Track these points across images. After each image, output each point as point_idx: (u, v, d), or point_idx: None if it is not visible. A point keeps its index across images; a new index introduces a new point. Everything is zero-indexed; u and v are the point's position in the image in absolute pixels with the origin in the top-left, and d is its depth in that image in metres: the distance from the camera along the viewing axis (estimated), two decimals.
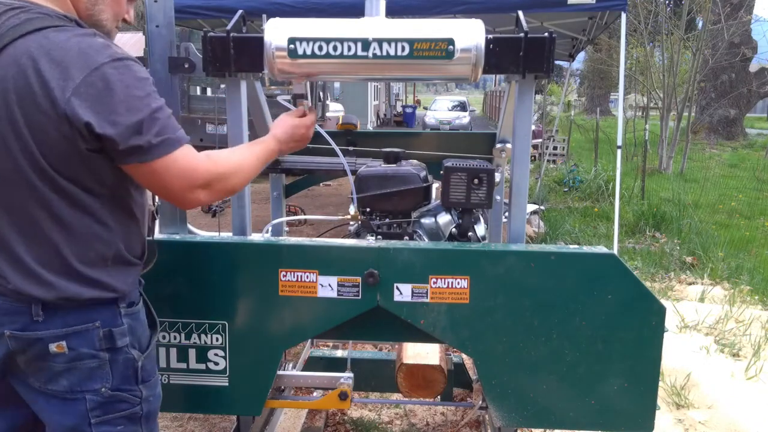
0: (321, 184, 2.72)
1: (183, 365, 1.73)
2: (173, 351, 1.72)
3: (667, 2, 14.45)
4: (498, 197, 2.21)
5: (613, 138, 6.90)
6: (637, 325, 1.65)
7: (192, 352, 1.72)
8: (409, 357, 2.25)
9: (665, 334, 1.71)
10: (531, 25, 8.04)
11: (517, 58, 1.68)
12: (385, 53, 1.62)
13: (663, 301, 4.21)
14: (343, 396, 1.86)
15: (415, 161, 2.18)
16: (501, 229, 2.16)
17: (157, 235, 1.65)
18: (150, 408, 1.40)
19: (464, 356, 2.94)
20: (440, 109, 24.31)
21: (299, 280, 1.67)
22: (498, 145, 2.28)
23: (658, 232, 6.53)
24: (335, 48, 1.62)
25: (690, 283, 4.84)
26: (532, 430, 2.49)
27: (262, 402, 1.79)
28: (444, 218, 2.09)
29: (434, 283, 1.65)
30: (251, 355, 1.73)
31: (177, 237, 1.77)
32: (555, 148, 12.70)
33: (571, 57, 8.86)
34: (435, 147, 2.57)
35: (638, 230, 6.65)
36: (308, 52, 1.63)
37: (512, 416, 1.75)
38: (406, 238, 2.00)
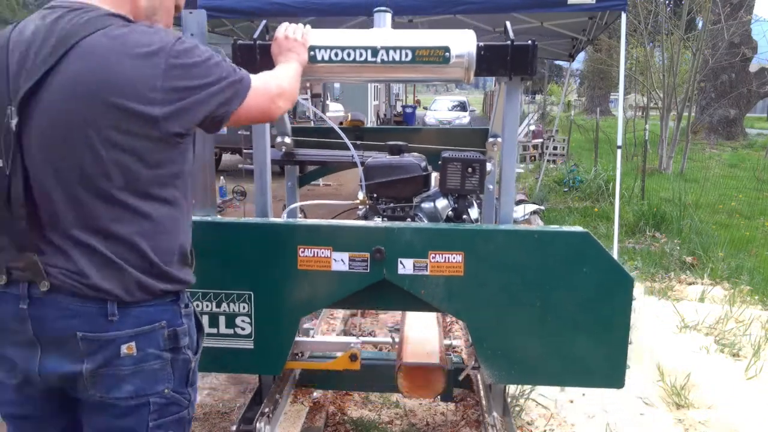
0: (321, 184, 2.97)
1: (214, 330, 1.96)
2: (205, 318, 1.94)
3: (667, 2, 14.46)
4: (491, 186, 2.46)
5: (613, 138, 6.89)
6: (609, 295, 1.91)
7: (222, 319, 1.96)
8: (409, 357, 2.26)
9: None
10: (531, 25, 8.03)
11: (505, 62, 1.94)
12: (391, 59, 1.90)
13: (663, 301, 4.23)
14: (353, 358, 2.18)
15: (416, 153, 2.39)
16: (493, 213, 2.36)
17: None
18: (192, 412, 1.42)
19: (464, 356, 2.94)
20: (440, 109, 24.29)
21: (315, 255, 1.91)
22: (490, 140, 2.50)
23: (658, 232, 6.53)
24: (349, 54, 1.89)
25: (690, 283, 4.84)
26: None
27: (283, 363, 2.04)
28: (442, 203, 2.34)
29: (433, 258, 1.89)
30: (273, 321, 1.97)
31: (209, 218, 2.02)
32: (555, 148, 12.69)
33: (571, 57, 8.86)
34: (434, 141, 2.84)
35: (638, 230, 6.65)
36: (326, 57, 1.89)
37: (501, 374, 2.00)
38: (409, 219, 2.25)
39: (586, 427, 2.85)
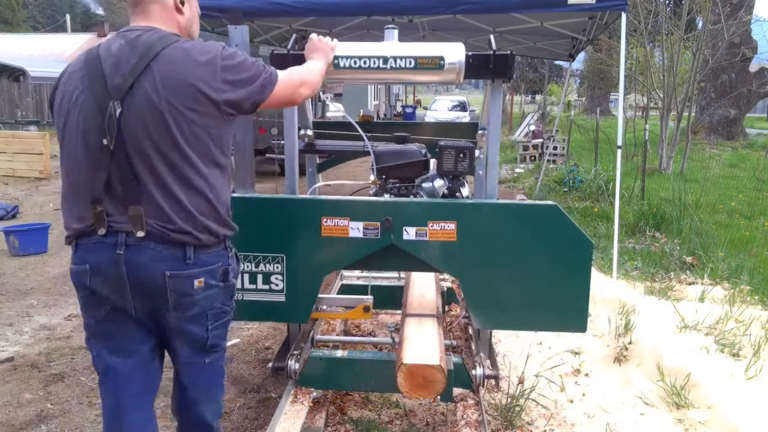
0: (322, 184, 3.40)
1: (253, 286, 2.41)
2: (246, 276, 2.40)
3: (667, 2, 14.44)
4: (481, 172, 2.88)
5: (613, 138, 6.89)
6: (573, 255, 2.31)
7: (259, 277, 2.41)
8: (409, 357, 2.25)
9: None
10: (531, 25, 8.02)
11: (488, 68, 2.45)
12: (398, 66, 2.40)
13: (663, 301, 4.23)
14: (366, 309, 2.60)
15: (417, 143, 2.87)
16: (483, 192, 2.81)
17: (235, 194, 2.26)
18: (232, 317, 1.97)
19: (464, 356, 2.94)
20: (440, 109, 24.29)
21: (336, 224, 2.36)
22: (479, 132, 2.89)
23: (658, 232, 6.52)
24: (365, 62, 2.39)
25: (690, 283, 4.84)
26: None
27: (308, 313, 2.48)
28: (439, 182, 2.78)
29: (431, 226, 2.34)
30: (301, 279, 2.40)
31: (249, 195, 2.47)
32: (555, 148, 12.69)
33: (571, 57, 8.84)
34: (432, 133, 3.50)
35: (638, 230, 6.64)
36: (347, 65, 2.38)
37: (486, 321, 2.49)
38: (411, 196, 2.71)
39: (586, 427, 2.85)
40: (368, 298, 2.63)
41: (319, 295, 2.51)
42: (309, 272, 2.41)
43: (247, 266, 2.40)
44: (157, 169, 1.71)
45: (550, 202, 2.33)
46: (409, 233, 2.34)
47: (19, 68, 23.87)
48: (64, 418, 2.86)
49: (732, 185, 9.80)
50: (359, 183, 3.03)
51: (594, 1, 4.81)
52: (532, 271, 2.33)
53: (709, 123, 17.88)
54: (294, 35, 2.68)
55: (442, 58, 2.39)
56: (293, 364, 2.63)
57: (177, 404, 1.99)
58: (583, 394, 3.15)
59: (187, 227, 1.73)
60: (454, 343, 3.34)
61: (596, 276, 4.80)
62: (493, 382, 2.72)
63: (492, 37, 2.61)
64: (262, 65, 1.87)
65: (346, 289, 3.65)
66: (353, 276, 3.88)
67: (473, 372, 2.67)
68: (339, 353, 2.76)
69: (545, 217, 2.31)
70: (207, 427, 1.98)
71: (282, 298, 2.42)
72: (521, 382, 3.09)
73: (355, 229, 2.35)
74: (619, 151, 5.28)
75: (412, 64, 2.41)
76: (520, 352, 3.60)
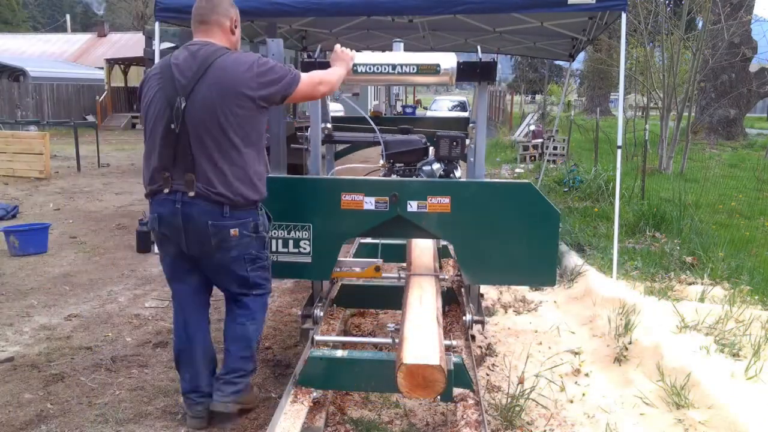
0: (342, 167, 4.00)
1: (285, 250, 2.97)
2: (280, 241, 2.96)
3: (667, 2, 14.45)
4: (472, 159, 3.50)
5: (613, 138, 6.88)
6: (544, 222, 2.85)
7: (291, 242, 2.97)
8: (409, 357, 2.25)
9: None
10: (531, 25, 8.05)
11: (476, 73, 3.25)
12: (404, 71, 3.14)
13: (663, 301, 4.23)
14: (377, 269, 3.14)
15: (418, 134, 3.57)
16: (473, 173, 3.45)
17: (271, 175, 2.82)
18: (270, 263, 2.77)
19: (464, 356, 2.94)
20: (440, 109, 24.27)
21: (353, 199, 2.89)
22: (470, 125, 3.52)
23: (658, 232, 6.51)
24: (378, 68, 3.13)
25: (690, 283, 4.83)
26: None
27: (330, 272, 3.08)
28: (436, 166, 3.41)
29: (430, 200, 2.87)
30: (324, 244, 2.96)
31: (281, 176, 3.10)
32: (555, 148, 12.69)
33: (571, 57, 8.84)
34: (431, 126, 4.25)
35: (638, 230, 6.63)
36: (364, 70, 3.11)
37: (475, 278, 3.09)
38: (414, 176, 3.38)
39: (586, 427, 2.85)
40: (379, 261, 3.16)
41: (339, 259, 3.07)
42: (331, 238, 2.97)
43: (281, 233, 2.96)
44: (208, 149, 2.42)
45: (525, 181, 2.92)
46: (412, 206, 2.89)
47: (19, 68, 23.86)
48: (64, 418, 2.86)
49: (732, 185, 9.79)
50: (372, 166, 3.78)
51: (594, 1, 4.81)
52: (511, 236, 2.88)
53: (709, 123, 17.87)
54: (319, 45, 3.61)
55: (438, 65, 3.13)
56: (318, 312, 3.32)
57: (226, 327, 2.74)
58: (583, 394, 3.15)
59: (225, 191, 2.44)
60: (454, 343, 3.34)
61: (596, 276, 4.80)
62: (480, 327, 3.51)
63: (479, 47, 3.51)
64: (288, 68, 2.54)
65: (345, 290, 3.69)
66: (353, 276, 3.88)
67: (464, 318, 3.33)
68: (339, 353, 2.75)
69: (521, 193, 2.88)
70: (248, 341, 2.69)
71: (309, 259, 2.98)
72: (521, 382, 3.09)
73: (369, 203, 2.90)
74: (619, 151, 5.28)
75: (415, 69, 3.14)
76: (520, 352, 3.60)
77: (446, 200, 2.86)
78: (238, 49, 2.64)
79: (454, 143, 3.29)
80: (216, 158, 2.41)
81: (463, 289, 3.73)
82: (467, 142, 3.41)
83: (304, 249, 2.96)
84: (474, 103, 3.77)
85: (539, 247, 2.87)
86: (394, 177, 3.36)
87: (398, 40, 3.39)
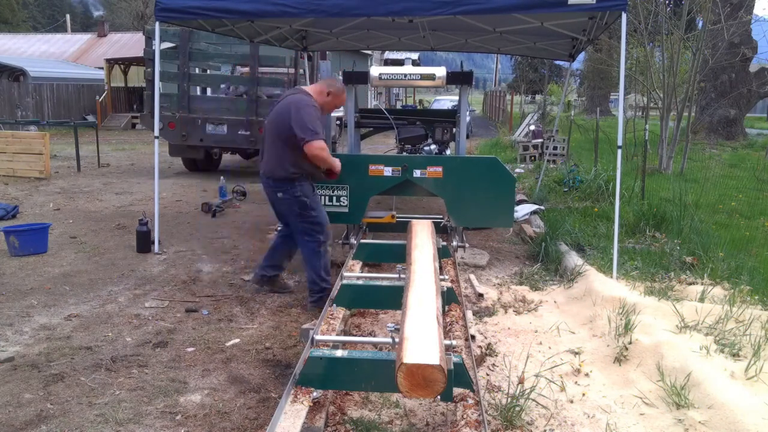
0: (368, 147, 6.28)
1: (330, 203, 5.01)
2: (326, 197, 5.03)
3: (667, 2, 14.42)
4: (458, 140, 5.81)
5: (613, 138, 6.89)
6: (504, 185, 4.98)
7: (334, 198, 5.04)
8: (409, 357, 2.25)
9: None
10: (531, 25, 8.09)
11: (459, 79, 5.72)
12: (412, 78, 5.61)
13: (663, 301, 4.23)
14: (393, 216, 5.39)
15: (420, 124, 6.17)
16: (458, 151, 5.81)
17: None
18: (320, 219, 4.37)
19: (464, 356, 2.94)
20: (440, 107, 24.30)
21: (377, 168, 5.01)
22: (458, 115, 5.80)
23: (658, 232, 6.51)
24: (395, 76, 5.61)
25: (690, 283, 4.83)
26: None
27: (360, 219, 5.16)
28: (433, 147, 5.89)
29: (429, 169, 4.98)
30: (358, 198, 5.05)
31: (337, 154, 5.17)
32: (555, 148, 12.69)
33: (571, 57, 8.84)
34: (430, 117, 6.74)
35: (638, 230, 6.63)
36: (385, 77, 5.60)
37: (459, 221, 5.15)
38: (418, 153, 5.76)
39: (586, 427, 2.85)
40: (394, 212, 5.26)
41: (367, 212, 5.00)
42: (362, 195, 5.01)
43: (327, 192, 4.97)
44: (273, 147, 4.22)
45: (491, 156, 4.99)
46: (417, 173, 4.96)
47: (19, 68, 23.84)
48: (64, 418, 2.86)
49: (732, 185, 9.79)
50: (389, 147, 5.40)
51: (594, 1, 4.81)
52: (483, 193, 4.92)
53: (709, 123, 17.87)
54: (354, 60, 5.72)
55: (434, 74, 5.41)
56: (353, 240, 5.11)
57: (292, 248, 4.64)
58: (583, 394, 3.15)
59: (278, 172, 4.21)
60: (454, 343, 3.34)
61: (596, 276, 4.80)
62: (462, 251, 5.34)
63: (462, 62, 5.67)
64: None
65: (345, 289, 3.71)
66: (353, 276, 3.90)
67: (452, 244, 5.03)
68: (339, 353, 2.75)
69: (489, 164, 4.99)
70: (306, 243, 4.39)
71: (346, 210, 5.03)
72: (521, 382, 3.08)
73: (388, 171, 4.95)
74: (619, 151, 5.28)
75: (419, 77, 5.46)
76: (520, 352, 3.60)
77: (439, 169, 4.91)
78: (327, 109, 4.48)
79: (445, 130, 5.82)
80: (275, 152, 4.30)
81: (449, 229, 5.50)
82: (454, 129, 5.83)
83: (343, 203, 4.99)
84: (459, 100, 6.01)
85: (501, 201, 4.94)
86: (404, 154, 5.74)
87: (408, 58, 5.19)
